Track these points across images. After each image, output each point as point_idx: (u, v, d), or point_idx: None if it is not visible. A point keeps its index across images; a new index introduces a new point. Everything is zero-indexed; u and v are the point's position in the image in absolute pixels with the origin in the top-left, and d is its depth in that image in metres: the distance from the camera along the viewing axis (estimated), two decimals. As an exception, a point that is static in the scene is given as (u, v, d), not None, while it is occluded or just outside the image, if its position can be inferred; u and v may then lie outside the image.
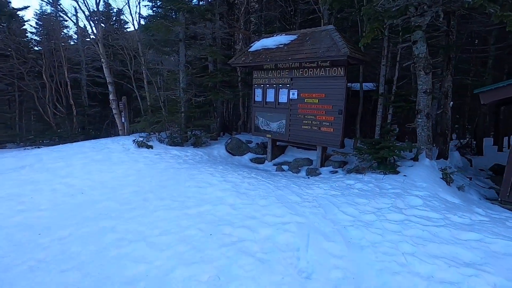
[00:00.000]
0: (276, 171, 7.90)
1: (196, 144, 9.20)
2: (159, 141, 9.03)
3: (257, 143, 9.80)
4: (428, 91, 6.52)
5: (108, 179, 5.39)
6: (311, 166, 7.97)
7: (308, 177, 7.31)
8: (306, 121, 7.73)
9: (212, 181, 5.25)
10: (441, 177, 5.95)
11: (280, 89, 8.15)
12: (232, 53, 11.59)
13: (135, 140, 8.24)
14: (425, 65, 6.44)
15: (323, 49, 6.57)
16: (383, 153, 6.34)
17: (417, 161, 6.59)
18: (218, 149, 9.20)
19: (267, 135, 8.68)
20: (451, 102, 7.27)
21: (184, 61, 9.54)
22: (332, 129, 7.24)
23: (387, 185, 5.45)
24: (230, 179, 5.45)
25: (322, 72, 7.22)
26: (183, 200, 4.34)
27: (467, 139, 11.24)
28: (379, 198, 4.72)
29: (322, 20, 9.72)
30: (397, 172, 6.19)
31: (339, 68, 6.92)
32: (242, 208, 4.10)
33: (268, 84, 8.41)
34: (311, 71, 7.43)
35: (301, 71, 7.61)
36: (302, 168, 7.92)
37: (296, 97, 7.83)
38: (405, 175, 5.92)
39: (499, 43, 9.70)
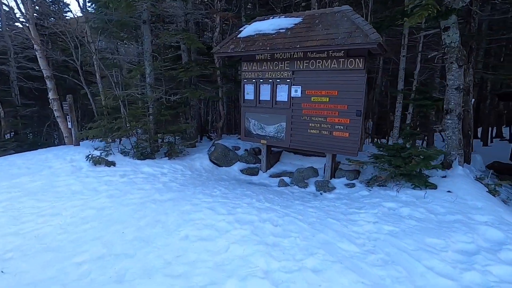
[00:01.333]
0: (279, 186, 6.42)
1: (171, 155, 7.31)
2: (122, 153, 6.96)
3: (246, 150, 8.21)
4: (460, 87, 5.54)
5: (50, 232, 3.42)
6: (319, 178, 6.65)
7: (321, 193, 5.98)
8: (313, 124, 6.35)
9: (218, 223, 3.59)
10: (487, 190, 5.02)
11: (278, 85, 6.64)
12: (210, 41, 9.69)
13: (90, 156, 6.11)
14: (458, 57, 5.43)
15: (343, 34, 5.19)
16: (414, 165, 5.22)
17: (449, 169, 5.61)
18: (201, 160, 7.43)
19: (262, 141, 7.15)
20: (473, 100, 6.46)
21: (150, 50, 7.49)
22: (347, 133, 5.97)
23: (439, 208, 4.32)
24: (242, 215, 3.84)
25: (335, 64, 5.86)
26: (186, 273, 2.65)
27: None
28: (449, 234, 3.53)
29: (311, 3, 8.36)
30: (435, 186, 5.13)
31: (357, 60, 5.62)
32: (286, 282, 2.56)
33: (262, 79, 6.83)
34: (319, 63, 6.03)
35: (306, 62, 6.18)
36: (309, 181, 6.56)
37: (299, 95, 6.39)
38: (449, 191, 4.86)
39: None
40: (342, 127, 6.01)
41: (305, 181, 6.54)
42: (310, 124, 6.38)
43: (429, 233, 3.55)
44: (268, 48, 5.86)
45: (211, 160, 7.58)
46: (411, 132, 6.21)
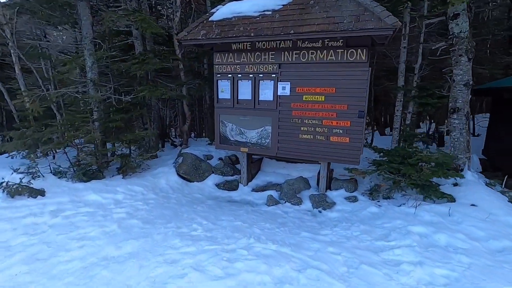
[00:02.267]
0: (268, 205, 5.28)
1: (126, 171, 5.70)
2: (56, 174, 5.17)
3: (221, 159, 6.90)
4: (470, 83, 4.94)
5: None
6: (312, 191, 5.66)
7: (320, 211, 5.00)
8: (305, 128, 5.30)
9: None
10: (508, 200, 4.48)
11: (262, 82, 5.45)
12: (167, 27, 8.01)
13: (4, 184, 4.29)
14: (467, 48, 4.80)
15: (349, 18, 4.17)
16: (429, 174, 4.49)
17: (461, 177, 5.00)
18: (166, 175, 5.93)
19: (242, 149, 5.92)
20: (469, 96, 6.00)
21: (91, 35, 5.72)
22: (347, 138, 5.04)
23: (476, 231, 3.59)
24: (247, 276, 2.59)
25: (332, 56, 4.86)
26: None
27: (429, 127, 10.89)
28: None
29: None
30: (452, 198, 4.45)
31: (358, 51, 4.68)
32: None
33: (240, 74, 5.57)
34: (312, 54, 4.98)
35: (295, 54, 5.08)
36: (302, 195, 5.54)
37: (288, 93, 5.29)
38: (473, 205, 4.20)
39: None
40: (341, 131, 5.06)
41: (297, 195, 5.50)
42: (302, 128, 5.33)
43: (494, 275, 2.72)
44: (252, 34, 4.61)
45: (179, 175, 6.13)
46: (411, 134, 5.53)
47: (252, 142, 5.80)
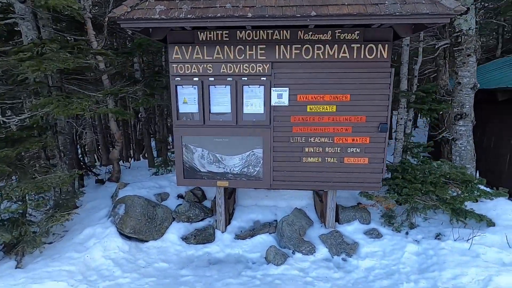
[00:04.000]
0: (276, 263, 3.69)
1: (21, 253, 3.22)
2: None
3: (180, 196, 4.93)
4: (476, 86, 4.48)
5: None
6: (317, 227, 4.37)
7: (344, 260, 3.74)
8: (311, 149, 3.96)
9: None
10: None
11: (247, 87, 3.85)
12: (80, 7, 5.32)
13: None
14: (476, 47, 4.31)
15: None
16: (466, 197, 3.79)
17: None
18: (101, 241, 3.64)
19: (220, 183, 4.16)
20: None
21: None
22: (366, 159, 3.92)
23: None
24: None
25: (345, 53, 3.65)
26: None
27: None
28: None
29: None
30: (492, 222, 3.83)
31: (379, 46, 3.61)
32: None
33: (213, 77, 3.83)
34: (319, 49, 3.67)
35: (295, 48, 3.68)
36: (309, 236, 4.18)
37: (286, 103, 3.84)
38: (521, 227, 3.62)
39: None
40: (358, 150, 3.91)
41: (304, 239, 4.10)
42: (307, 149, 3.96)
43: None
44: (249, 15, 2.95)
45: (124, 235, 3.91)
46: (418, 145, 4.84)
47: (235, 172, 4.11)
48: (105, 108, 4.58)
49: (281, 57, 3.71)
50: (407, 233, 4.03)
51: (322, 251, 3.90)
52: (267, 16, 2.94)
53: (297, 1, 3.01)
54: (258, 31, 3.64)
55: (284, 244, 4.03)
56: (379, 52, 3.62)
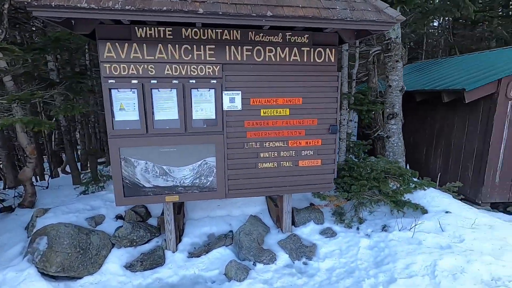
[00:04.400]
0: (238, 279, 3.43)
1: None
2: None
3: (120, 217, 4.27)
4: (404, 88, 5.03)
5: None
6: (276, 235, 4.28)
7: (305, 263, 3.74)
8: (266, 154, 3.84)
9: None
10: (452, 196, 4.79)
11: (195, 91, 3.51)
12: None
13: None
14: (402, 54, 4.84)
15: (341, 4, 3.04)
16: (406, 189, 4.19)
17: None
18: (16, 289, 2.83)
19: (169, 198, 3.71)
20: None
21: None
22: (319, 160, 3.99)
23: (485, 244, 3.41)
24: None
25: (296, 56, 3.64)
26: None
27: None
28: None
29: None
30: (424, 209, 4.30)
31: (327, 50, 3.70)
32: None
33: (156, 79, 3.38)
34: (270, 51, 3.57)
35: (247, 50, 3.51)
36: (268, 244, 4.06)
37: (239, 107, 3.64)
38: (448, 212, 4.13)
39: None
40: (311, 152, 3.94)
41: (264, 247, 3.97)
42: (262, 154, 3.82)
43: None
44: (201, 10, 2.63)
45: (48, 276, 3.12)
46: (359, 143, 5.19)
47: (185, 184, 3.72)
48: (12, 118, 3.62)
49: (232, 59, 3.49)
50: (358, 228, 4.25)
51: (283, 257, 3.81)
52: (220, 13, 2.68)
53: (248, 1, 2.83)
54: (206, 30, 3.35)
55: (244, 256, 3.81)
56: (327, 56, 3.72)
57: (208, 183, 3.77)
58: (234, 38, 3.44)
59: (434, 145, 6.40)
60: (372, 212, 4.61)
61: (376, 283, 3.06)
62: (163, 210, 3.97)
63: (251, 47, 3.50)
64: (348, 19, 2.90)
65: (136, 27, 3.21)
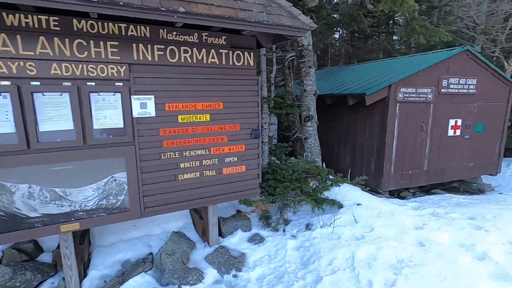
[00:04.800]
0: (160, 310, 2.99)
1: None
2: None
3: (-5, 258, 3.26)
4: (317, 92, 5.39)
5: None
6: (203, 249, 3.98)
7: (235, 275, 3.58)
8: (187, 164, 3.51)
9: None
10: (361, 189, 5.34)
11: (95, 95, 2.94)
12: None
13: None
14: (314, 61, 5.17)
15: (257, 7, 2.94)
16: (325, 186, 4.47)
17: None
18: None
19: (65, 228, 3.00)
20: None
21: None
22: (243, 166, 3.88)
23: (388, 230, 3.85)
24: None
25: (214, 58, 3.44)
26: None
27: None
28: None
29: None
30: (340, 204, 4.66)
31: (246, 54, 3.62)
32: None
33: (39, 80, 2.69)
34: (186, 52, 3.28)
35: (158, 49, 3.13)
36: (194, 262, 3.73)
37: (152, 113, 3.22)
38: (359, 204, 4.57)
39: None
40: (235, 159, 3.80)
41: (189, 266, 3.63)
42: (182, 165, 3.48)
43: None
44: (103, 4, 2.14)
45: None
46: (281, 146, 5.33)
47: (88, 208, 3.08)
48: None
49: (141, 59, 3.05)
50: (284, 230, 4.31)
51: (211, 274, 3.55)
52: (121, 3, 2.26)
53: (156, -9, 2.49)
54: (107, 24, 2.83)
55: (167, 281, 3.39)
56: (246, 60, 3.63)
57: (119, 203, 3.21)
58: (142, 35, 3.02)
59: (343, 144, 7.12)
60: (296, 212, 4.76)
61: (305, 285, 3.10)
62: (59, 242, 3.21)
63: (163, 47, 3.13)
64: (265, 22, 2.85)
65: (3, 13, 2.47)
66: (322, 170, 4.79)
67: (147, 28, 3.02)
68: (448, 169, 6.87)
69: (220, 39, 3.42)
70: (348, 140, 6.96)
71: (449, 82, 6.28)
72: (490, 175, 7.64)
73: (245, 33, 3.45)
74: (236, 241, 4.09)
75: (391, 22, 13.21)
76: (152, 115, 3.21)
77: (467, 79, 6.48)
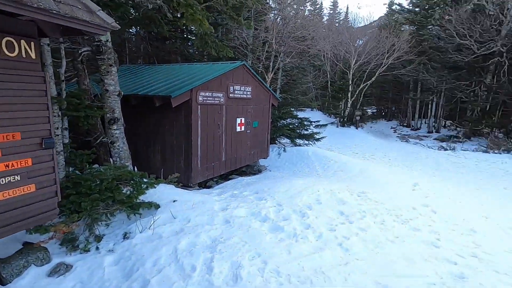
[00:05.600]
0: None
1: None
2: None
3: None
4: (121, 93, 5.08)
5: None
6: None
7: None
8: None
9: None
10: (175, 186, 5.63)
11: None
12: None
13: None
14: (115, 59, 4.86)
15: None
16: (142, 190, 4.41)
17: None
18: None
19: None
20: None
21: None
22: (32, 186, 3.07)
23: (202, 218, 4.42)
24: None
25: (-35, 42, 2.46)
26: None
27: None
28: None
29: None
30: (157, 205, 4.74)
31: (22, 42, 2.86)
32: None
33: None
34: None
35: None
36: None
37: None
38: (175, 200, 4.82)
39: None
40: (17, 177, 2.93)
41: None
42: None
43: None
44: None
45: None
46: (80, 154, 4.58)
47: None
48: None
49: None
50: (97, 248, 3.84)
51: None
52: None
53: None
54: None
55: None
56: (23, 50, 2.87)
57: None
58: None
59: (153, 145, 7.15)
60: (109, 225, 4.34)
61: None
62: None
63: None
64: (54, 11, 2.40)
65: None
66: (135, 174, 4.64)
67: None
68: (239, 157, 8.65)
69: (-25, 17, 2.49)
70: (157, 141, 7.07)
71: (234, 88, 7.87)
72: (264, 158, 10.38)
73: (22, 18, 2.71)
74: (29, 281, 3.20)
75: (185, 29, 14.38)
76: None
77: (246, 87, 8.40)
